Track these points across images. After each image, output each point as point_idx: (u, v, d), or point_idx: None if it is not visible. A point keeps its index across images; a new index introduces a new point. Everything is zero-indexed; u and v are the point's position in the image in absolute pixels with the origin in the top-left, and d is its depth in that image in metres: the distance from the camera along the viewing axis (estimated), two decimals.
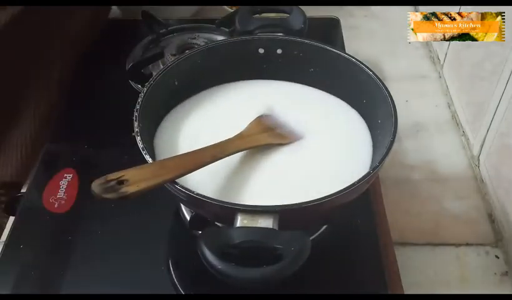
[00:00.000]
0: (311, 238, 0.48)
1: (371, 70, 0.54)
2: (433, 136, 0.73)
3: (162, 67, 0.56)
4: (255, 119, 0.54)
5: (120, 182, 0.40)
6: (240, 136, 0.52)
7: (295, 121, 0.56)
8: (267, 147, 0.52)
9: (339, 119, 0.57)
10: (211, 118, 0.56)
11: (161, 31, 0.80)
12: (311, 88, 0.60)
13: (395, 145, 0.46)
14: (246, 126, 0.53)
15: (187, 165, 0.45)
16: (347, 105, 0.58)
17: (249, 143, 0.51)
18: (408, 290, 0.53)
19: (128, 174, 0.41)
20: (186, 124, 0.55)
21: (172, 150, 0.52)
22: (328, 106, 0.58)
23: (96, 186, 0.39)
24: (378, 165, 0.45)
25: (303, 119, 0.56)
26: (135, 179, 0.41)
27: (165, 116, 0.56)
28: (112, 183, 0.40)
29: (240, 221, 0.41)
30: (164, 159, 0.47)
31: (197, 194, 0.42)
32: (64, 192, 0.58)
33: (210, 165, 0.46)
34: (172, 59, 0.56)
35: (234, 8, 0.89)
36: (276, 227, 0.40)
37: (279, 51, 0.60)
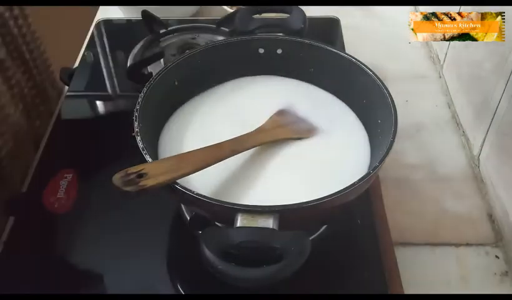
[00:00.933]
0: (311, 238, 0.48)
1: (371, 70, 0.54)
2: (432, 136, 0.73)
3: (162, 67, 0.56)
4: (275, 113, 0.55)
5: (140, 176, 0.41)
6: (259, 130, 0.52)
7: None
8: (267, 147, 0.52)
9: (339, 119, 0.57)
10: (219, 116, 0.57)
11: (161, 31, 0.80)
12: (312, 86, 0.60)
13: (395, 145, 0.46)
14: (266, 120, 0.54)
15: (206, 158, 0.46)
16: (347, 105, 0.58)
17: (268, 137, 0.52)
18: (408, 290, 0.53)
19: (148, 167, 0.42)
20: (193, 122, 0.56)
21: (178, 150, 0.51)
22: (328, 106, 0.58)
23: (117, 179, 0.40)
24: (378, 165, 0.45)
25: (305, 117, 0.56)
26: (154, 173, 0.41)
27: (170, 117, 0.56)
28: (132, 176, 0.40)
29: (240, 221, 0.41)
30: (183, 153, 0.47)
31: (197, 194, 0.43)
32: (64, 192, 0.58)
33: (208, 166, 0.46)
34: (172, 59, 0.56)
35: (234, 8, 0.89)
36: (276, 227, 0.40)
37: (279, 51, 0.60)
